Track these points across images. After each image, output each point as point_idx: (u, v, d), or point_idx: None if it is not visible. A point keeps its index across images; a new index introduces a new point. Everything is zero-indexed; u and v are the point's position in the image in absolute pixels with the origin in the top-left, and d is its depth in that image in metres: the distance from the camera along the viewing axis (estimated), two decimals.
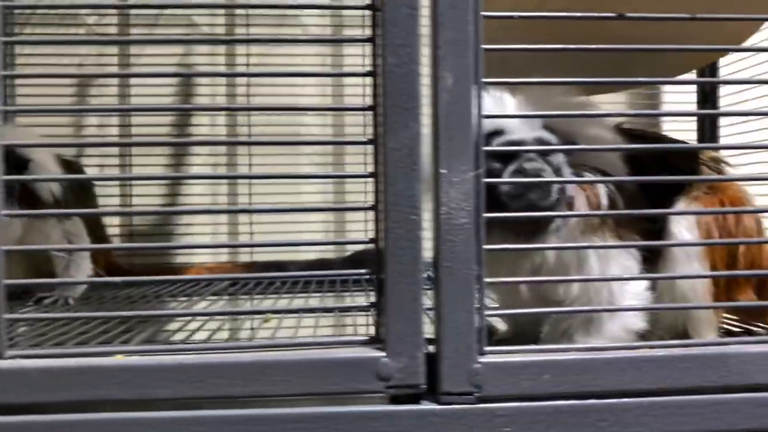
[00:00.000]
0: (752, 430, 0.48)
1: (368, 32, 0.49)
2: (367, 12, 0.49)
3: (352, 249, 1.37)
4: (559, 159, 0.60)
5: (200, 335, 0.89)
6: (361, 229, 1.48)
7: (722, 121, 1.50)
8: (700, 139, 1.46)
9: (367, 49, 0.49)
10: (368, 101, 0.50)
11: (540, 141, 0.59)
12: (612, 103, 1.55)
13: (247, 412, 0.47)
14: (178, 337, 0.85)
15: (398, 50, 0.47)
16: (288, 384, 0.47)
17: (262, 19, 1.58)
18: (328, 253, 1.43)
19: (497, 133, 0.58)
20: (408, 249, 0.47)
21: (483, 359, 0.48)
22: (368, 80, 0.50)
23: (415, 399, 0.48)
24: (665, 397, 0.49)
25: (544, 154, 0.58)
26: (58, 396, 0.46)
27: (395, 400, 0.49)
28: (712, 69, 1.37)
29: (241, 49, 1.59)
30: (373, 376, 0.47)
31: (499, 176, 0.56)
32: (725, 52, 0.97)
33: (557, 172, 0.59)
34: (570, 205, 0.60)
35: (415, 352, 0.48)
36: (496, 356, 0.48)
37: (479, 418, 0.48)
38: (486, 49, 0.49)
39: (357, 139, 0.49)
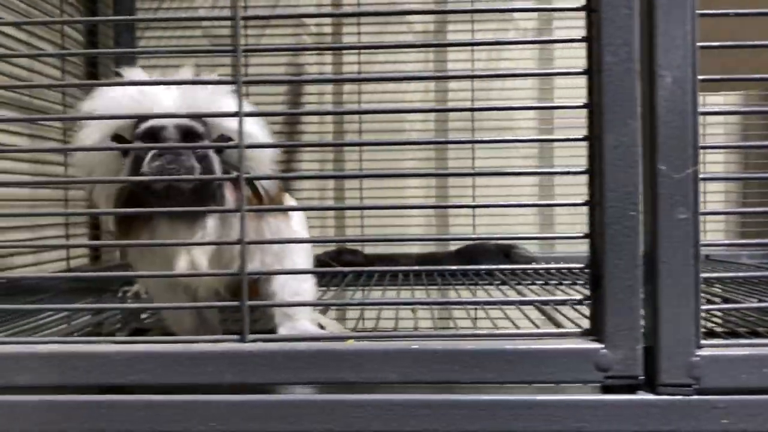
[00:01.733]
0: None
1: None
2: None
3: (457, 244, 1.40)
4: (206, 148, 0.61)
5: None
6: (467, 223, 1.52)
7: None
8: None
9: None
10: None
11: (180, 128, 0.60)
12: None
13: (469, 398, 0.49)
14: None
15: (617, 49, 0.48)
16: (509, 372, 0.49)
17: (368, 18, 1.61)
18: (431, 247, 1.47)
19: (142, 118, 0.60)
20: (626, 245, 0.49)
21: (700, 352, 0.49)
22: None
23: (629, 390, 0.50)
24: None
25: (186, 141, 0.60)
26: (296, 377, 0.50)
27: (609, 390, 0.50)
28: None
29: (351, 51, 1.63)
30: (592, 366, 0.49)
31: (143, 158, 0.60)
32: None
33: (203, 159, 0.61)
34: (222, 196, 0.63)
35: (633, 344, 0.49)
36: (713, 349, 0.49)
37: (697, 410, 0.49)
38: (701, 47, 0.49)
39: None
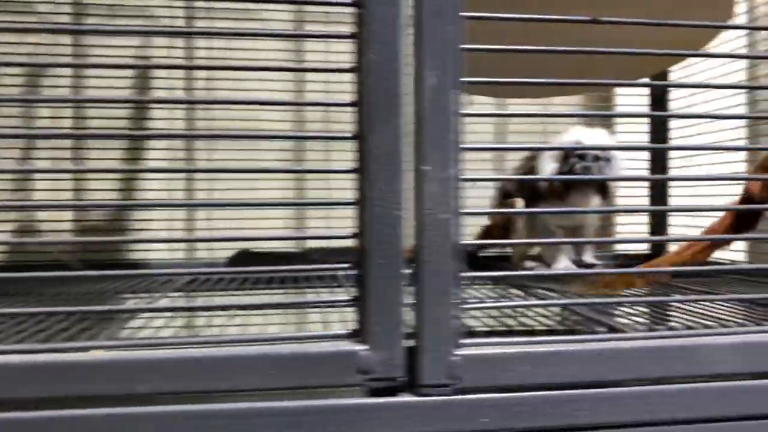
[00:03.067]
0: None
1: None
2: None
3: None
4: None
5: (166, 332, 0.87)
6: (321, 225, 1.50)
7: (672, 123, 1.57)
8: (652, 142, 1.53)
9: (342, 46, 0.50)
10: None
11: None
12: (567, 105, 1.61)
13: (227, 407, 0.47)
14: (144, 334, 0.84)
15: (381, 47, 0.48)
16: (267, 378, 0.47)
17: (224, 12, 1.56)
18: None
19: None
20: (390, 244, 0.48)
21: (460, 352, 0.49)
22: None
23: (392, 392, 0.49)
24: (638, 388, 0.51)
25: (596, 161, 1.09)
26: (40, 391, 0.45)
27: (373, 393, 0.49)
28: (662, 74, 1.43)
29: (201, 41, 1.58)
30: (353, 369, 0.48)
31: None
32: (682, 57, 1.06)
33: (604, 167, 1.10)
34: None
35: (394, 344, 0.48)
36: (473, 349, 0.50)
37: (457, 409, 0.49)
38: (463, 49, 0.50)
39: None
